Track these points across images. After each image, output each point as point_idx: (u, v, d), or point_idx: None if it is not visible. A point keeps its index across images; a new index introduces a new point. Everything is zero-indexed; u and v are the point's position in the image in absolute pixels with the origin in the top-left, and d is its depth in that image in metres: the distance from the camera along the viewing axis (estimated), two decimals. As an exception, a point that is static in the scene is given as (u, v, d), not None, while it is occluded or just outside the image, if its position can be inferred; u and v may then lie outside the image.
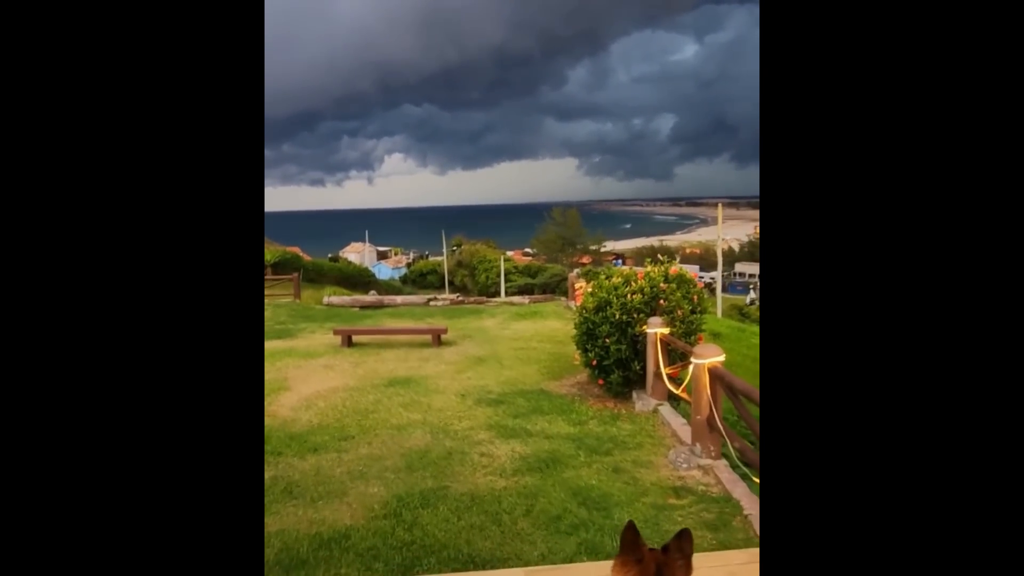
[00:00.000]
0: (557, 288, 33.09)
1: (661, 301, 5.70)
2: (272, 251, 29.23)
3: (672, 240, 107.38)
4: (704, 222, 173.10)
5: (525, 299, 14.98)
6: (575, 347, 6.44)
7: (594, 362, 5.86)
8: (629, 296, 5.72)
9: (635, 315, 5.68)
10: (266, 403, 6.22)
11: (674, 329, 5.64)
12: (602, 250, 51.16)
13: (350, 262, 41.65)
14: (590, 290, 6.23)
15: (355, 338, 9.59)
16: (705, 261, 73.88)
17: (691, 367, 4.36)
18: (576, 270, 35.79)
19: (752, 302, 44.36)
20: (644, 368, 5.77)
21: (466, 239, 47.73)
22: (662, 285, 5.77)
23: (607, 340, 5.74)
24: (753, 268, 68.56)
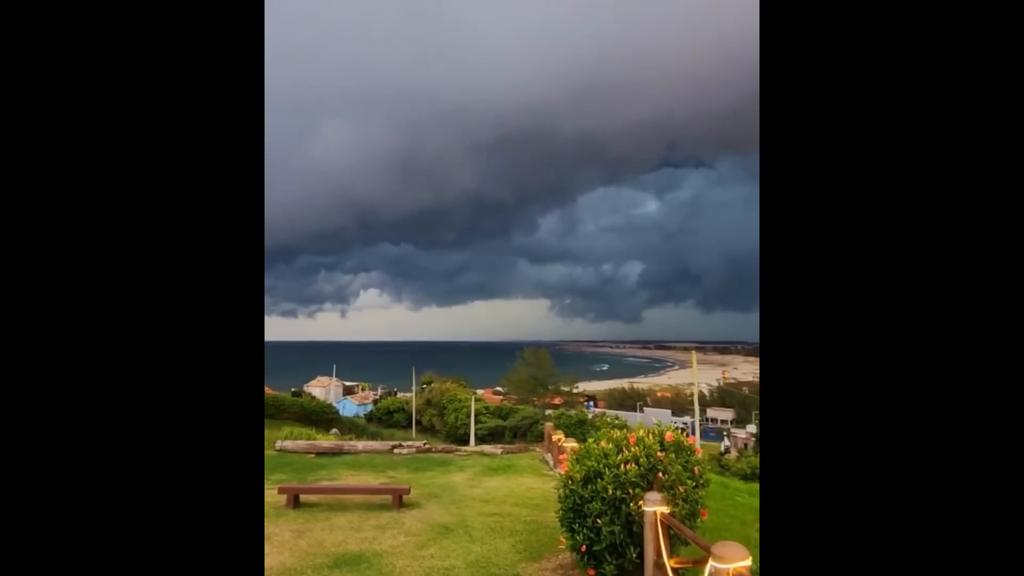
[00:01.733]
0: (529, 431, 31.65)
1: (660, 474, 4.95)
2: (231, 384, 27.60)
3: (643, 383, 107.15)
4: (672, 365, 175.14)
5: (498, 449, 13.88)
6: (560, 524, 5.51)
7: (583, 547, 4.93)
8: (623, 467, 4.97)
9: (630, 490, 4.90)
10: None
11: (676, 508, 4.84)
12: (574, 391, 50.19)
13: (313, 397, 39.74)
14: (576, 457, 5.46)
15: (303, 497, 8.38)
16: (676, 405, 73.12)
17: (708, 569, 3.55)
18: (549, 412, 34.53)
19: (727, 450, 42.97)
20: (641, 555, 4.86)
21: (437, 376, 46.51)
22: (659, 454, 5.07)
23: (598, 520, 4.88)
24: (725, 414, 67.78)
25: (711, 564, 3.47)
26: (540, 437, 28.41)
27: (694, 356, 22.44)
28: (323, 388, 51.58)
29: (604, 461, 5.11)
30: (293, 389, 44.80)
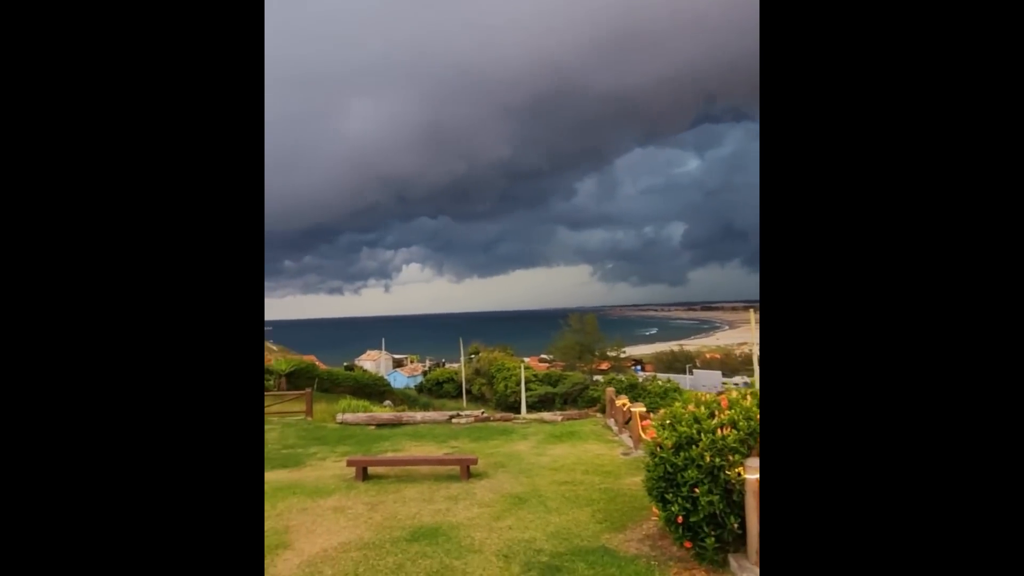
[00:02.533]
0: (579, 397, 31.47)
1: (762, 438, 4.51)
2: (288, 360, 28.41)
3: (691, 344, 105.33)
4: (720, 326, 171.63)
5: (557, 416, 13.64)
6: (648, 494, 5.16)
7: (680, 519, 4.57)
8: (719, 431, 4.56)
9: (729, 456, 4.48)
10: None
11: (783, 475, 4.41)
12: (621, 355, 49.71)
13: (365, 371, 40.58)
14: (666, 422, 5.06)
15: (371, 468, 8.33)
16: (726, 366, 71.80)
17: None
18: (597, 378, 34.13)
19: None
20: (743, 526, 4.48)
21: (483, 346, 46.72)
22: (760, 417, 4.61)
23: (695, 489, 4.50)
24: (779, 373, 65.80)
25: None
26: (591, 403, 28.16)
27: (752, 314, 21.40)
28: (374, 361, 52.66)
29: (697, 426, 4.70)
30: (345, 363, 45.84)
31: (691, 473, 4.52)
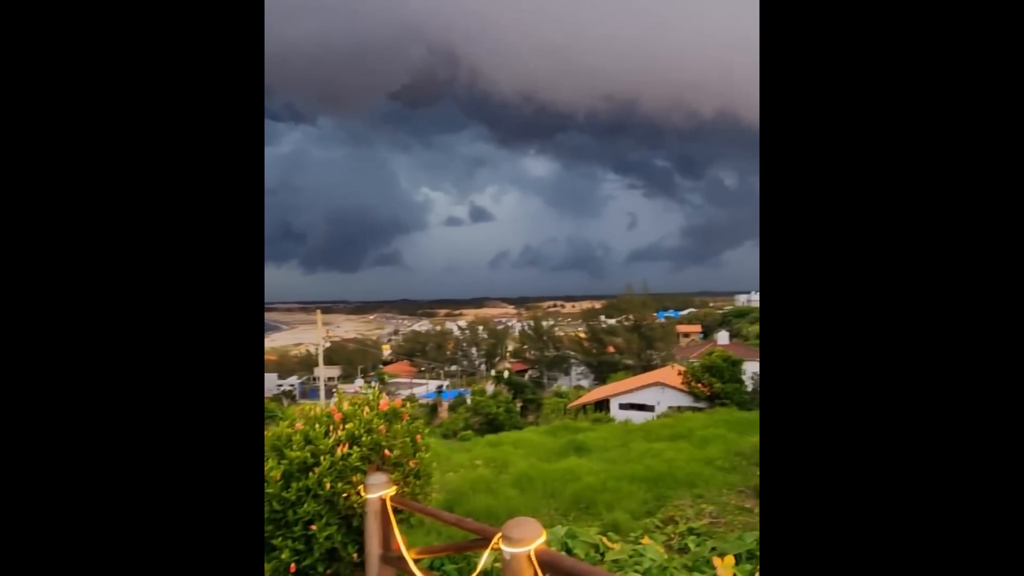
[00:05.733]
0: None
1: (387, 451, 4.11)
2: None
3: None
4: (276, 328, 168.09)
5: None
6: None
7: (293, 566, 3.70)
8: (339, 450, 3.93)
9: (352, 477, 3.91)
10: None
11: (407, 489, 4.11)
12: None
13: None
14: (268, 447, 4.09)
15: None
16: (283, 367, 71.06)
17: (489, 555, 2.97)
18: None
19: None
20: (362, 552, 3.97)
21: None
22: (381, 427, 4.20)
23: (311, 526, 3.73)
24: (332, 371, 68.93)
25: (504, 549, 2.90)
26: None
27: (319, 315, 21.99)
28: None
29: (312, 448, 3.95)
30: None
31: (308, 507, 3.73)
